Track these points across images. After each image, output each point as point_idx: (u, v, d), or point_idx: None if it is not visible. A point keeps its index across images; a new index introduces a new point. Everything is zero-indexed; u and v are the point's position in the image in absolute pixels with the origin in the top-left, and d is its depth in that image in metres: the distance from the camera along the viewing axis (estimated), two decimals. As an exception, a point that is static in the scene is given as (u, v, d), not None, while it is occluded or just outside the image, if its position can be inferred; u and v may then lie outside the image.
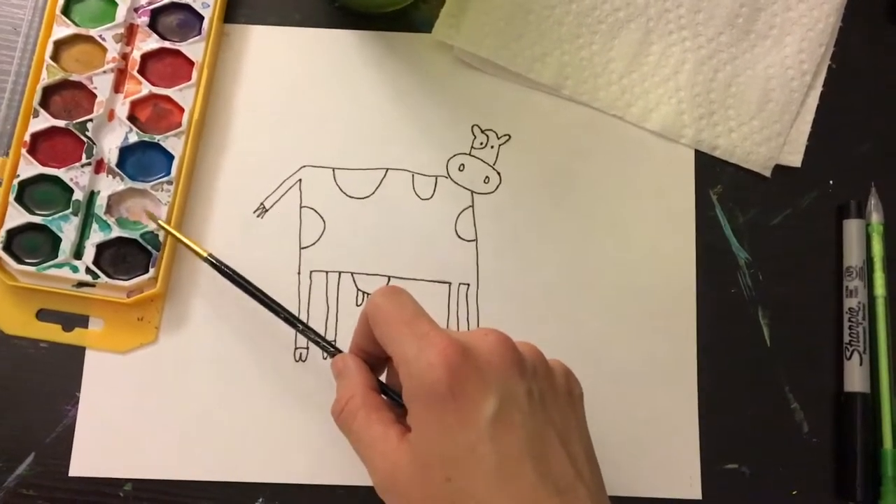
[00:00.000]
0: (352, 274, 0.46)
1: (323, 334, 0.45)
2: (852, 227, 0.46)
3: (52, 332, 0.44)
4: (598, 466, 0.34)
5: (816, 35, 0.48)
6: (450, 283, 0.46)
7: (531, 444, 0.30)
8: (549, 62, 0.47)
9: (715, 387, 0.45)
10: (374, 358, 0.37)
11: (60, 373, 0.44)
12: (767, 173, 0.47)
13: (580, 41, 0.48)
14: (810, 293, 0.46)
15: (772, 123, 0.47)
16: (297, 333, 0.44)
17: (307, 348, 0.45)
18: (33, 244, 0.44)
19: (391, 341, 0.33)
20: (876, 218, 0.46)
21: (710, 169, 0.47)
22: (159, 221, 0.44)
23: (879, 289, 0.45)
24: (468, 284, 0.46)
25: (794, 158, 0.47)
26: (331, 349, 0.39)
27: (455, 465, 0.30)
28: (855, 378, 0.44)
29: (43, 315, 0.44)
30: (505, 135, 0.47)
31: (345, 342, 0.45)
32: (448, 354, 0.30)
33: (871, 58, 0.49)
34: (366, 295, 0.45)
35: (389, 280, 0.46)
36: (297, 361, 0.45)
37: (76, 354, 0.44)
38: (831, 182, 0.47)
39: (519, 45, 0.47)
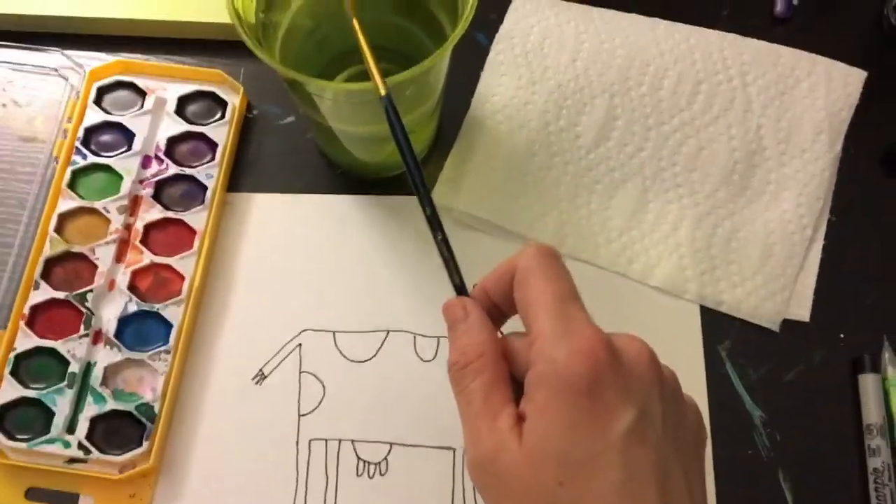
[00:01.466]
0: (352, 442, 0.44)
1: (322, 508, 0.43)
2: (868, 383, 0.44)
3: (40, 512, 0.42)
4: None
5: (813, 189, 0.48)
6: (454, 449, 0.44)
7: (660, 469, 0.28)
8: (548, 221, 0.48)
9: (739, 556, 0.42)
10: (496, 313, 0.34)
11: (46, 556, 0.42)
12: (776, 328, 0.46)
13: (578, 200, 0.48)
14: (831, 452, 0.44)
15: (776, 277, 0.47)
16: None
17: (305, 525, 0.42)
18: (26, 419, 0.43)
19: (535, 312, 0.30)
20: (892, 372, 0.44)
21: (716, 324, 0.46)
22: None
23: (903, 447, 0.43)
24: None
25: (802, 312, 0.46)
26: (458, 282, 0.35)
27: (573, 469, 0.27)
28: (888, 545, 0.42)
29: (32, 494, 0.43)
30: (506, 294, 0.47)
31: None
32: (596, 349, 0.28)
33: (871, 209, 0.49)
34: (367, 464, 0.44)
35: (392, 448, 0.44)
36: (294, 538, 0.42)
37: (63, 536, 0.42)
38: (842, 335, 0.46)
39: (518, 205, 0.48)
